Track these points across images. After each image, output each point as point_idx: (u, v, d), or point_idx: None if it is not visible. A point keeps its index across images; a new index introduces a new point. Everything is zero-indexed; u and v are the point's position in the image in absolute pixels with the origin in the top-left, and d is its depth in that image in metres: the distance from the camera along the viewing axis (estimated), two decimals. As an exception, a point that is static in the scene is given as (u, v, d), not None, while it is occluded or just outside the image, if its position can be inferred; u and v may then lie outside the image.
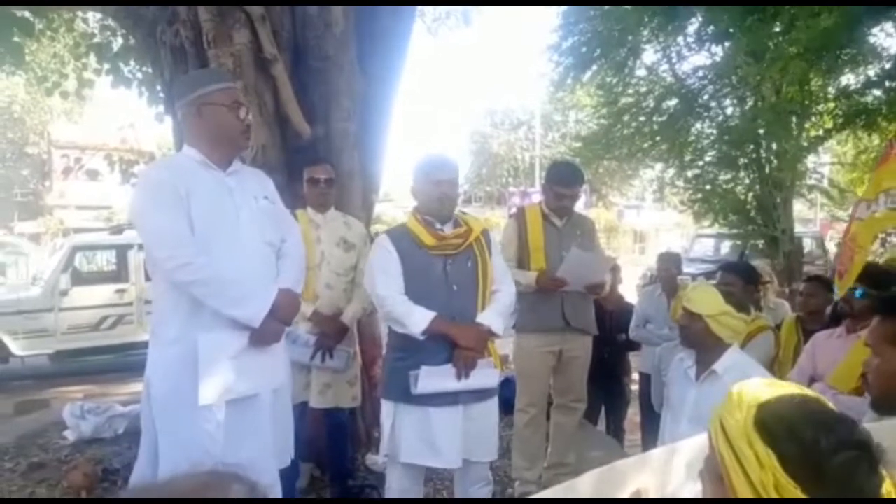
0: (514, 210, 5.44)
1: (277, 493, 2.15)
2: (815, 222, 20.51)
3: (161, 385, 1.99)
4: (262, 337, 2.04)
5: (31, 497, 3.35)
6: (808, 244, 12.67)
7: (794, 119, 7.65)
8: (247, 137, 2.17)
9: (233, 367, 1.98)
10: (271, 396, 2.12)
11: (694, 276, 8.37)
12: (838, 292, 2.92)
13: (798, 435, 0.86)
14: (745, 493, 0.86)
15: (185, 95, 2.11)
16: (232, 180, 2.11)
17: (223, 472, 0.65)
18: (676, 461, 1.26)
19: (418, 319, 2.35)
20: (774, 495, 0.83)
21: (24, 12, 4.61)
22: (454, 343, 2.37)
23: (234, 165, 2.15)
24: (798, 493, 0.81)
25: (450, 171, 2.51)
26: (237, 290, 2.00)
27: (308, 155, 3.32)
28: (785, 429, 0.87)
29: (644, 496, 1.10)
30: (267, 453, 2.06)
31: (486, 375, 2.43)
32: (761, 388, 0.94)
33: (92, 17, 6.79)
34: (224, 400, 1.96)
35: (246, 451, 1.97)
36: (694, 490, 1.09)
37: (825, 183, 9.46)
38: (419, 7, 6.68)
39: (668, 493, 1.23)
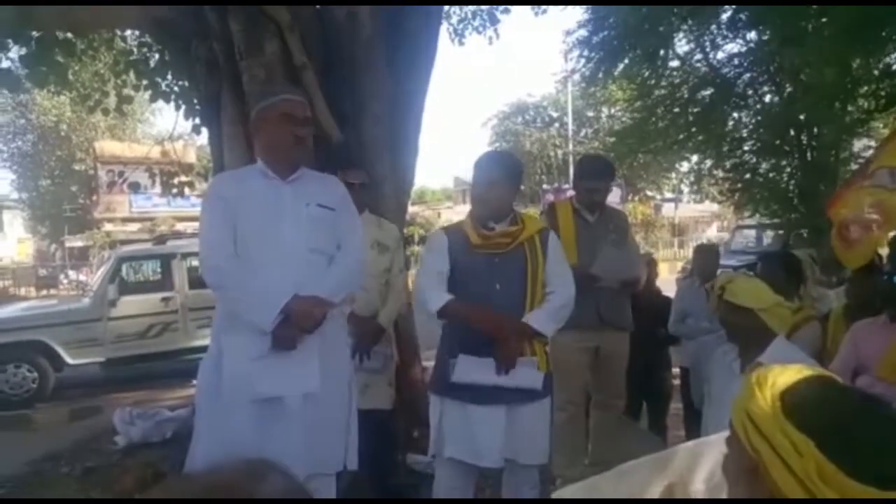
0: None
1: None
2: (862, 209, 19.72)
3: (199, 385, 2.12)
4: (276, 342, 2.05)
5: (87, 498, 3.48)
6: (855, 232, 12.22)
7: (836, 103, 7.40)
8: (299, 148, 2.19)
9: (255, 369, 2.02)
10: (301, 401, 2.09)
11: (735, 268, 8.16)
12: (847, 263, 2.75)
13: (831, 416, 0.84)
14: (787, 483, 0.84)
15: (252, 113, 2.25)
16: (289, 188, 2.17)
17: (263, 462, 0.65)
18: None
19: (435, 297, 2.38)
20: (818, 482, 0.80)
21: (67, 33, 4.79)
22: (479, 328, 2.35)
23: (296, 173, 2.20)
24: (841, 477, 0.79)
25: (504, 169, 2.50)
26: (253, 295, 2.04)
27: (341, 159, 3.36)
28: (817, 412, 0.84)
29: (676, 492, 1.07)
30: (293, 456, 2.01)
31: (526, 375, 2.39)
32: (778, 374, 0.91)
33: (130, 35, 6.99)
34: (246, 400, 2.02)
35: (269, 452, 1.97)
36: None
37: (871, 168, 9.11)
38: (445, 7, 6.69)
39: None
